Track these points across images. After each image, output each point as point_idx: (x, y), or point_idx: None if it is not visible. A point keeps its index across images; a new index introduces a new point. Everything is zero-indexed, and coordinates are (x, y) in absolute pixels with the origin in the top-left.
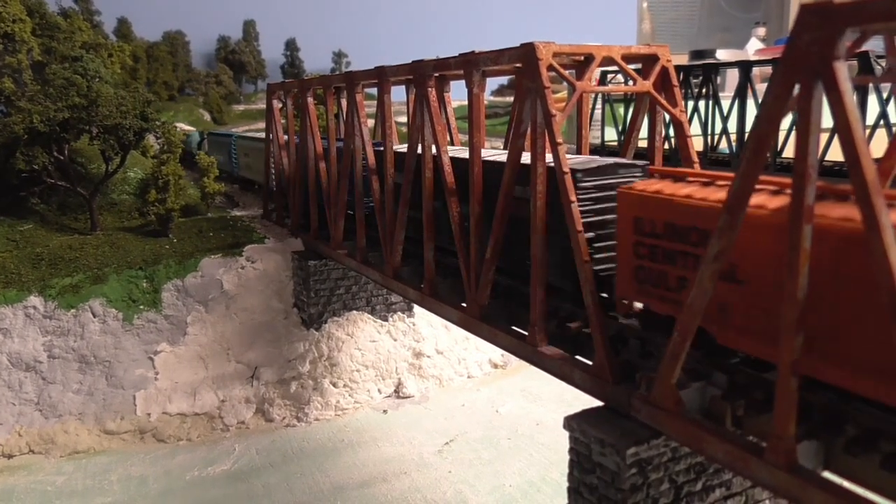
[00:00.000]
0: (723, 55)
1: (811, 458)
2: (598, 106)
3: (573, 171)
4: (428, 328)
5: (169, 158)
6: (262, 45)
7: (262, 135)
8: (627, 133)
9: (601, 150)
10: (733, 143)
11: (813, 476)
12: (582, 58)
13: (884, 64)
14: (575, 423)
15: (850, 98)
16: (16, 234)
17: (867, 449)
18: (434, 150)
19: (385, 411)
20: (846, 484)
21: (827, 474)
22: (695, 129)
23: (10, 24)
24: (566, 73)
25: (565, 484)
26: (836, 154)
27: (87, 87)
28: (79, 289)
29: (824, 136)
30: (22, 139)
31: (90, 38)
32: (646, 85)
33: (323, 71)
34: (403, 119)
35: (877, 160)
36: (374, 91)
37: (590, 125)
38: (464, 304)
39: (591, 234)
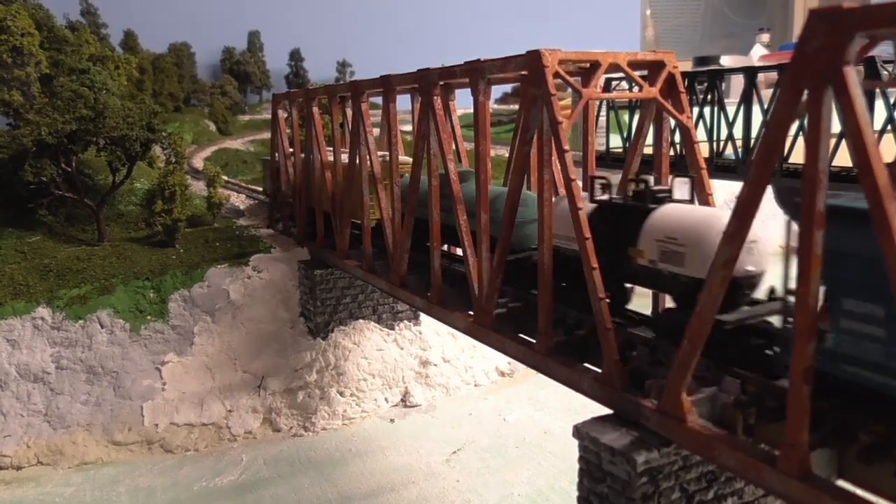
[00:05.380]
0: (727, 61)
1: (825, 467)
2: (603, 113)
3: None
4: (434, 336)
5: (175, 169)
6: (266, 56)
7: None
8: (634, 140)
9: (606, 156)
10: (739, 149)
11: (827, 485)
12: (588, 65)
13: (891, 69)
14: (584, 431)
15: (861, 103)
16: (24, 246)
17: (881, 457)
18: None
19: (392, 420)
20: (860, 492)
21: (841, 483)
22: (700, 135)
23: (18, 38)
24: (572, 79)
25: (574, 493)
26: (843, 160)
27: (95, 100)
28: (86, 300)
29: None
30: (30, 151)
31: (97, 51)
32: (652, 91)
33: (327, 80)
34: (408, 128)
35: (887, 165)
36: (378, 100)
37: (595, 132)
38: (471, 313)
39: None
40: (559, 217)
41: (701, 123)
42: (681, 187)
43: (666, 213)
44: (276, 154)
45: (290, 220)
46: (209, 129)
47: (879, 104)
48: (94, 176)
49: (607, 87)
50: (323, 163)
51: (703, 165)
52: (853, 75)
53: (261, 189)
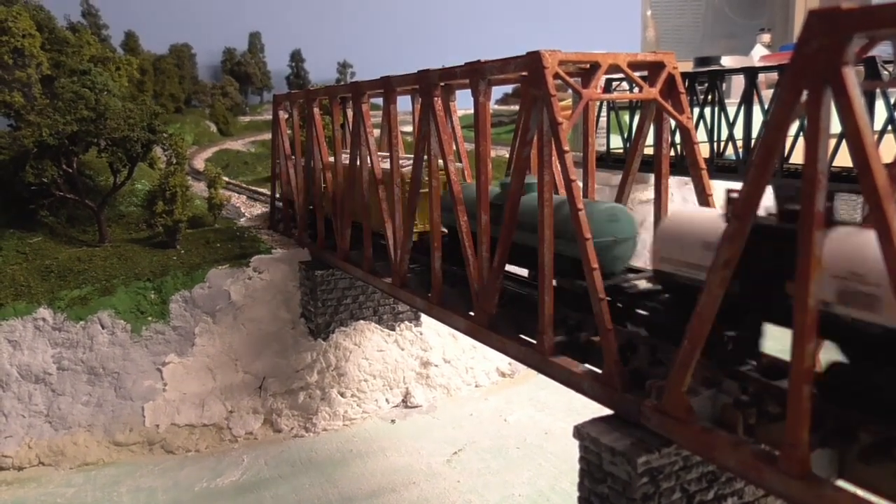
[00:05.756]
0: (728, 62)
1: (825, 467)
2: (604, 113)
3: None
4: (435, 337)
5: (176, 170)
6: (267, 57)
7: None
8: (634, 140)
9: (607, 157)
10: (739, 150)
11: (827, 485)
12: (588, 65)
13: (891, 69)
14: (585, 431)
15: (860, 103)
16: (25, 247)
17: (882, 457)
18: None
19: (393, 421)
20: (861, 493)
21: (841, 483)
22: (700, 135)
23: (20, 40)
24: (572, 80)
25: (575, 493)
26: (843, 160)
27: (96, 101)
28: (87, 301)
29: (832, 142)
30: (31, 152)
31: (98, 52)
32: (652, 92)
33: (328, 82)
34: (409, 129)
35: (886, 165)
36: (379, 101)
37: (595, 132)
38: (471, 313)
39: None
40: (680, 238)
41: (702, 124)
42: (845, 205)
43: (845, 240)
44: (278, 156)
45: (292, 222)
46: (210, 130)
47: (880, 104)
48: (95, 177)
49: (608, 87)
50: (324, 163)
51: (704, 166)
52: (852, 76)
53: (267, 191)
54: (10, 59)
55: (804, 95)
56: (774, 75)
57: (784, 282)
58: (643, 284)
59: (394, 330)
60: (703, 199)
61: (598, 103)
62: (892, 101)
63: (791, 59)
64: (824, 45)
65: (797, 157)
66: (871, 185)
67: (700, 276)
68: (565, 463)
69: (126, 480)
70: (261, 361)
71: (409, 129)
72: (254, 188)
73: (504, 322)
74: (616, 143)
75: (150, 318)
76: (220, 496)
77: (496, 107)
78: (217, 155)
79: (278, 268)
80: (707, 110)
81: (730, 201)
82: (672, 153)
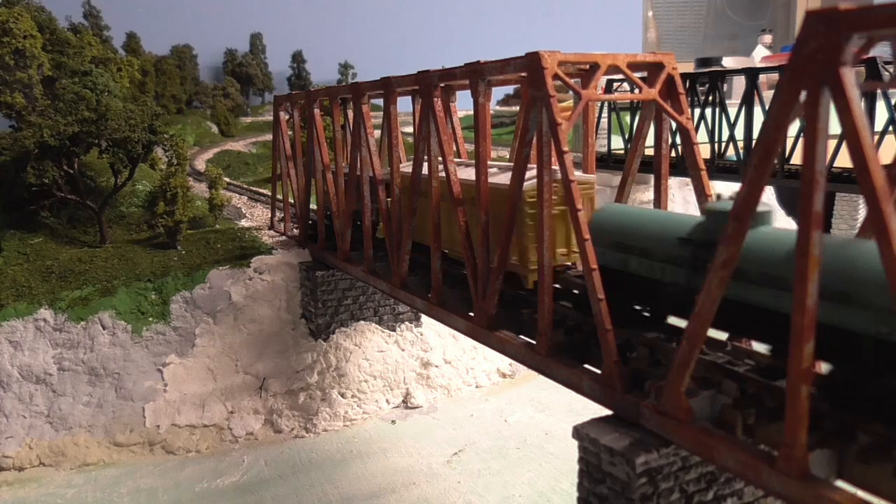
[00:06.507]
0: (729, 63)
1: (824, 467)
2: (605, 114)
3: None
4: (436, 338)
5: (177, 171)
6: (268, 58)
7: None
8: (633, 141)
9: (608, 158)
10: (740, 151)
11: (826, 485)
12: (587, 66)
13: (891, 70)
14: (584, 432)
15: (858, 104)
16: (26, 248)
17: (880, 457)
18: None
19: (393, 422)
20: (860, 493)
21: (840, 483)
22: (702, 136)
23: (21, 41)
24: (571, 81)
25: (575, 494)
26: (844, 160)
27: (97, 101)
28: (88, 301)
29: (833, 143)
30: (32, 153)
31: (100, 53)
32: (651, 93)
33: (329, 82)
34: (409, 129)
35: (885, 166)
36: (380, 102)
37: (596, 133)
38: (471, 314)
39: None
40: None
41: (703, 125)
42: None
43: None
44: (279, 158)
45: (292, 222)
46: (211, 131)
47: (881, 105)
48: (96, 178)
49: (609, 88)
50: (324, 164)
51: (703, 166)
52: (850, 76)
53: (268, 192)
54: (12, 60)
55: (803, 96)
56: (776, 76)
57: None
58: None
59: (394, 330)
60: (703, 199)
61: (598, 104)
62: (892, 102)
63: (789, 60)
64: (822, 46)
65: (797, 159)
66: (870, 185)
67: None
68: (566, 464)
69: (127, 481)
70: (261, 362)
71: (409, 129)
72: (255, 189)
73: (504, 322)
74: (617, 143)
75: (150, 319)
76: (221, 497)
77: (497, 108)
78: (218, 156)
79: (279, 268)
80: (708, 111)
81: None
82: (672, 154)
